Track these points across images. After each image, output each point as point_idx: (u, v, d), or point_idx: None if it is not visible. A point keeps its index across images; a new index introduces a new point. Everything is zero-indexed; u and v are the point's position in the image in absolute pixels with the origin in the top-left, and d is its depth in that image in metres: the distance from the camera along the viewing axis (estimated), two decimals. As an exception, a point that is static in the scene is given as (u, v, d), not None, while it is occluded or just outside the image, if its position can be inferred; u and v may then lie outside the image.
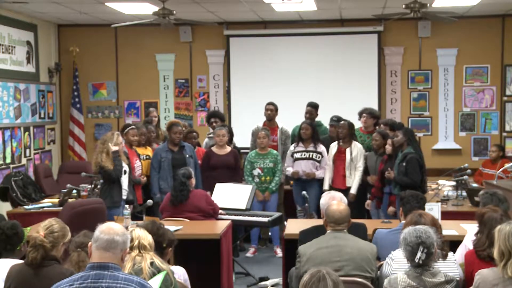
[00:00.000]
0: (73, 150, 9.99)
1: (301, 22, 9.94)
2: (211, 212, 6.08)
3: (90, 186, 6.77)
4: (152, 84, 10.26)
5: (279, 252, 7.29)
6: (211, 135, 8.15)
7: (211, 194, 6.60)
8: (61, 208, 6.04)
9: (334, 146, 7.48)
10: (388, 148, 6.79)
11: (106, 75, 10.29)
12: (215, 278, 5.49)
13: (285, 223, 6.07)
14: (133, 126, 7.13)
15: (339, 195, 4.67)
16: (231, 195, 6.68)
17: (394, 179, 6.50)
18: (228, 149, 7.50)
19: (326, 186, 7.35)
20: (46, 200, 7.24)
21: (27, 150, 9.15)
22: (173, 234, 4.12)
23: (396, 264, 3.89)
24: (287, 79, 9.87)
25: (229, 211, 6.43)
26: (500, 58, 9.68)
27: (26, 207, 6.77)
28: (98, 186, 6.48)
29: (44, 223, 3.75)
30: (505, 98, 9.69)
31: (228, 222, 5.93)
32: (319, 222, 4.54)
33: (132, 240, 3.47)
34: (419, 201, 4.73)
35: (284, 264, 5.45)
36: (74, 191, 6.78)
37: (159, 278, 3.38)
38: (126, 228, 3.56)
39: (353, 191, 7.26)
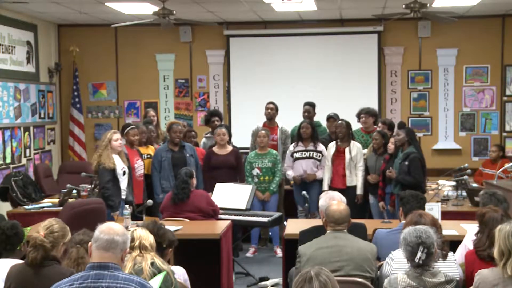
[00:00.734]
0: (73, 150, 9.99)
1: (301, 22, 9.94)
2: (211, 213, 6.08)
3: (90, 186, 6.76)
4: (152, 84, 10.26)
5: (279, 252, 7.29)
6: (208, 135, 8.15)
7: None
8: (61, 208, 6.04)
9: (332, 146, 7.48)
10: (391, 147, 6.80)
11: (106, 75, 10.29)
12: (215, 278, 5.49)
13: (285, 223, 6.07)
14: (133, 126, 7.13)
15: (338, 195, 4.67)
16: (231, 195, 6.68)
17: (396, 178, 6.51)
18: (229, 148, 7.49)
19: (325, 186, 7.35)
20: (46, 200, 7.24)
21: (27, 150, 9.15)
22: (174, 234, 4.12)
23: (396, 264, 3.88)
24: (287, 79, 9.88)
25: (229, 211, 6.43)
26: (500, 58, 9.68)
27: (26, 207, 6.77)
28: (98, 186, 6.48)
29: (44, 223, 3.75)
30: (505, 98, 9.70)
31: (228, 222, 5.92)
32: (319, 222, 4.54)
33: (133, 240, 3.47)
34: (419, 201, 4.73)
35: (284, 264, 5.45)
36: (74, 191, 6.77)
37: (159, 278, 3.38)
38: (126, 228, 3.56)
39: (359, 191, 7.27)
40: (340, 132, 7.38)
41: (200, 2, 8.18)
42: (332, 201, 4.37)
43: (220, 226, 5.76)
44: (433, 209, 5.34)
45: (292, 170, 7.59)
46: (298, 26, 9.94)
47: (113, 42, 10.23)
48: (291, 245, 5.11)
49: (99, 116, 10.36)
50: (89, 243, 3.05)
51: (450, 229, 5.21)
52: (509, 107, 9.66)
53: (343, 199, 4.61)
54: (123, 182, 6.45)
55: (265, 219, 6.41)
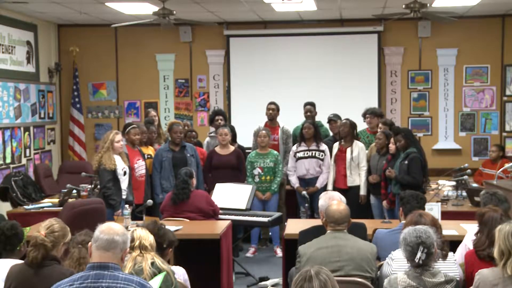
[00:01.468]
0: (73, 150, 9.99)
1: (301, 22, 9.94)
2: (211, 213, 6.08)
3: (90, 186, 6.76)
4: (152, 84, 10.26)
5: (279, 252, 7.29)
6: (212, 134, 8.14)
7: (215, 195, 6.61)
8: (61, 208, 6.04)
9: (336, 146, 7.49)
10: (392, 147, 6.80)
11: (106, 75, 10.28)
12: (215, 278, 5.49)
13: (285, 223, 6.07)
14: (135, 125, 7.12)
15: (338, 195, 4.67)
16: (231, 195, 6.68)
17: (396, 178, 6.51)
18: (231, 149, 7.48)
19: (329, 186, 7.34)
20: (46, 200, 7.24)
21: (27, 150, 9.15)
22: (174, 235, 4.12)
23: (396, 264, 3.89)
24: (287, 79, 9.87)
25: (229, 211, 6.43)
26: (500, 58, 9.68)
27: (26, 207, 6.78)
28: (98, 186, 6.48)
29: (45, 223, 3.76)
30: (505, 98, 9.69)
31: (228, 222, 5.93)
32: (319, 222, 4.54)
33: (133, 240, 3.48)
34: (419, 201, 4.74)
35: (284, 264, 5.45)
36: (74, 191, 6.78)
37: (159, 278, 3.38)
38: (126, 228, 3.56)
39: (362, 192, 7.27)
40: (343, 131, 7.38)
41: (200, 2, 8.18)
42: (332, 201, 4.37)
43: (220, 226, 5.76)
44: (433, 209, 5.35)
45: (295, 171, 7.57)
46: (298, 26, 9.94)
47: (113, 42, 10.23)
48: (291, 245, 5.11)
49: (99, 116, 10.36)
50: (89, 243, 3.05)
51: (450, 229, 5.21)
52: (509, 107, 9.66)
53: (343, 199, 4.61)
54: (124, 182, 6.45)
55: (265, 219, 6.42)
